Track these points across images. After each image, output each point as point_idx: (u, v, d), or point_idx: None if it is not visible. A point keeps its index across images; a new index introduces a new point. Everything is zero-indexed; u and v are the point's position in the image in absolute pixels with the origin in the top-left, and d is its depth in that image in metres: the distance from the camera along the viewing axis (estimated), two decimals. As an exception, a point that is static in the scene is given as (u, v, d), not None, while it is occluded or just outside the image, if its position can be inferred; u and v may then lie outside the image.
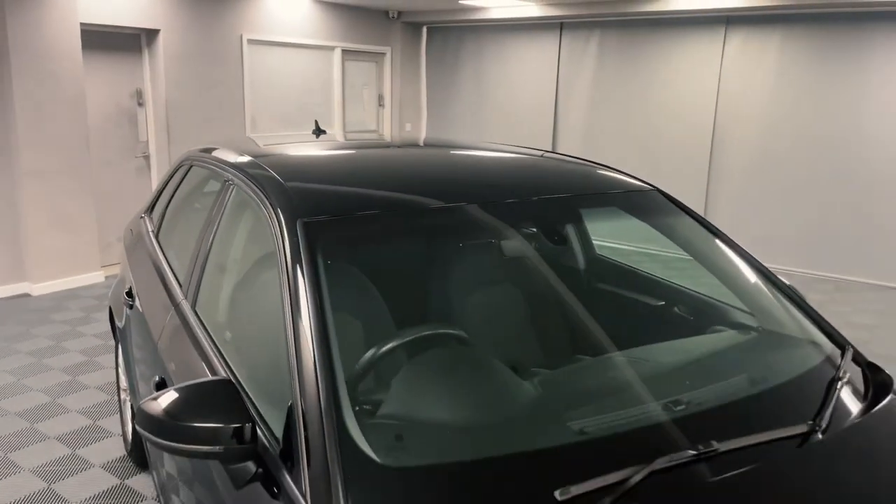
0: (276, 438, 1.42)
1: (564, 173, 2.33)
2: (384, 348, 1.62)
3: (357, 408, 1.42)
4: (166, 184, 3.09)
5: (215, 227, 2.17)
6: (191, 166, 2.78)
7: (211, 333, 1.89)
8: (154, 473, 2.21)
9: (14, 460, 3.18)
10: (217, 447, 1.35)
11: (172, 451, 1.36)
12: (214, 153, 2.49)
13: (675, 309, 2.32)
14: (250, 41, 7.04)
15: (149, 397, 1.41)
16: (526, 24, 8.11)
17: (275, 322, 1.57)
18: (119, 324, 3.04)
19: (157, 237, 2.85)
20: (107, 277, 5.98)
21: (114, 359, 4.29)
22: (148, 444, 2.43)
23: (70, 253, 5.71)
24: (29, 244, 5.49)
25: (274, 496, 1.33)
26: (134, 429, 2.98)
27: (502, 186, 2.07)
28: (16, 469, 3.11)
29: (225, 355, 1.77)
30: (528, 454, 1.36)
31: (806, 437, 1.50)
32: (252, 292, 1.83)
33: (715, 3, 6.42)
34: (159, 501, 2.25)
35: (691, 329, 2.20)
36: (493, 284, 2.05)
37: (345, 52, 8.09)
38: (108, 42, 6.13)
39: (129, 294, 2.80)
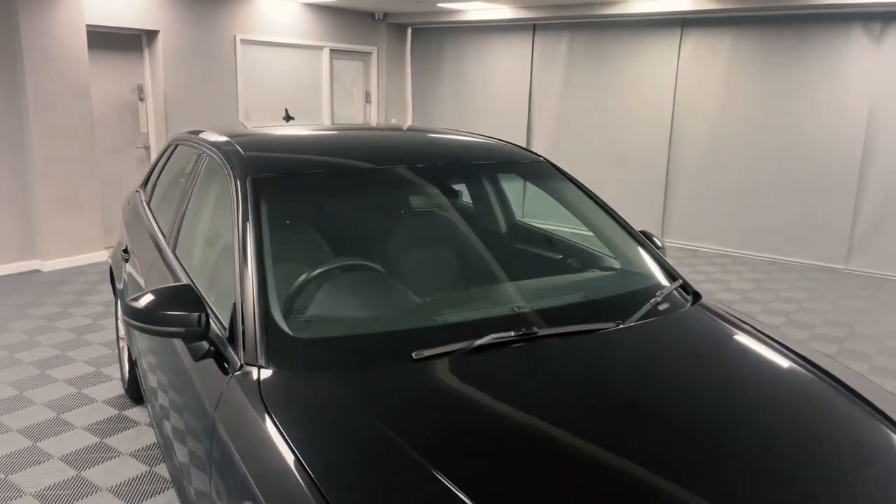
0: (223, 326, 1.98)
1: (476, 147, 2.90)
2: (314, 272, 2.18)
3: (284, 307, 1.98)
4: (158, 161, 3.66)
5: (192, 190, 2.75)
6: (177, 145, 3.35)
7: (181, 261, 2.46)
8: (148, 406, 2.76)
9: (29, 397, 3.76)
10: (181, 328, 1.91)
11: (149, 332, 1.93)
12: (198, 135, 3.05)
13: (558, 255, 2.88)
14: (243, 41, 7.62)
15: (132, 297, 1.98)
16: (501, 26, 8.67)
17: (228, 248, 2.14)
18: (119, 285, 3.60)
19: (148, 205, 3.43)
20: (110, 256, 6.57)
21: (114, 322, 4.87)
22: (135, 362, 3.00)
23: (77, 233, 6.29)
24: (40, 225, 6.07)
25: (221, 367, 1.89)
26: (131, 368, 3.55)
27: (421, 155, 2.64)
28: (30, 403, 3.69)
29: (189, 273, 2.34)
30: (397, 332, 1.93)
31: (613, 328, 2.06)
32: (213, 230, 2.40)
33: (671, 7, 6.96)
34: (153, 426, 2.81)
35: (568, 269, 2.76)
36: (405, 228, 2.61)
37: (333, 51, 8.66)
38: (112, 42, 6.72)
39: (126, 251, 3.38)
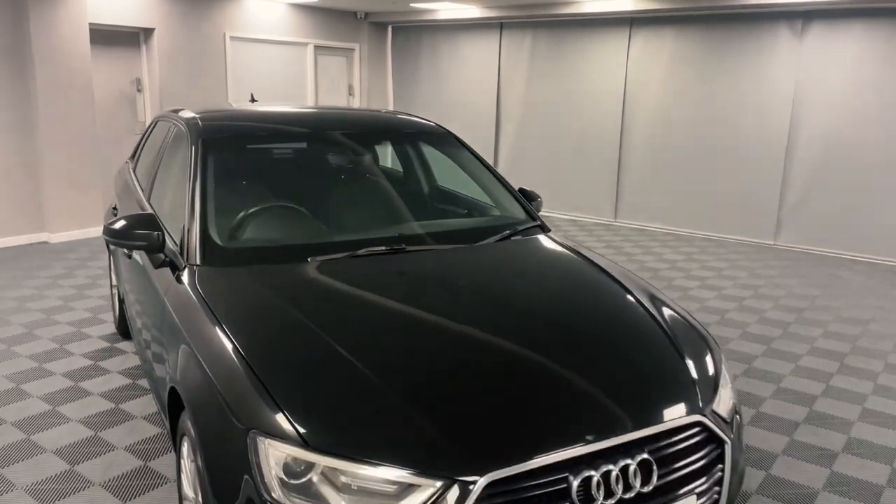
0: (176, 243, 2.72)
1: (393, 120, 3.65)
2: (241, 205, 2.92)
3: (218, 227, 2.72)
4: (143, 136, 4.41)
5: (163, 153, 3.50)
6: (157, 122, 4.10)
7: (152, 205, 3.22)
8: (134, 340, 3.48)
9: (37, 333, 4.52)
10: (144, 242, 2.66)
11: (122, 246, 2.67)
12: (175, 112, 3.78)
13: (448, 201, 3.62)
14: (232, 38, 8.38)
15: (109, 221, 2.72)
16: (471, 24, 9.40)
17: (182, 190, 2.88)
18: (110, 246, 4.35)
19: (134, 171, 4.18)
20: (104, 217, 7.34)
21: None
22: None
23: (80, 209, 7.06)
24: (48, 202, 6.84)
25: (172, 269, 2.62)
26: (120, 308, 4.29)
27: (344, 125, 3.40)
28: (37, 338, 4.45)
29: (156, 211, 3.10)
30: (299, 245, 2.68)
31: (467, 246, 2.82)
32: (176, 180, 3.14)
33: (620, 7, 7.67)
34: (136, 344, 3.54)
35: (454, 213, 3.49)
36: (322, 177, 3.36)
37: (317, 47, 9.41)
38: (112, 39, 7.49)
39: (115, 209, 4.13)
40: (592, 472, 1.81)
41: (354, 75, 10.05)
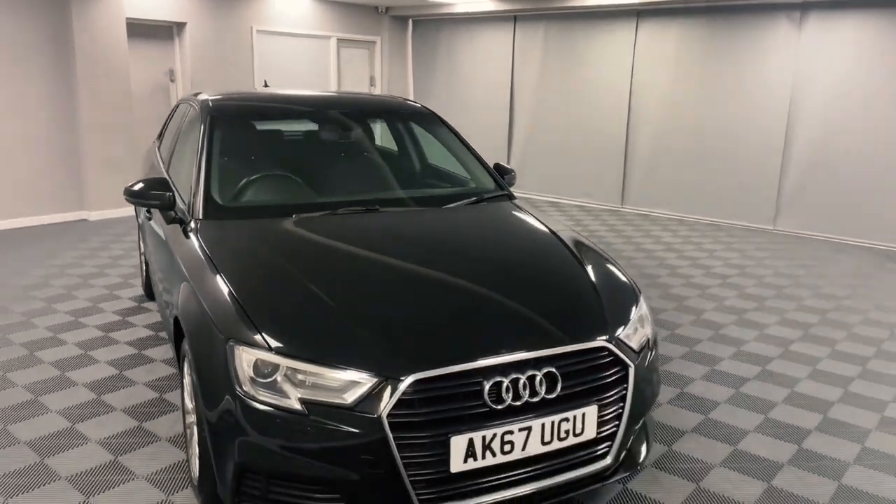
0: (185, 203, 3.19)
1: (384, 101, 4.08)
2: (248, 177, 3.38)
3: (220, 189, 3.18)
4: (168, 117, 4.92)
5: (180, 130, 3.98)
6: (179, 104, 4.59)
7: (169, 175, 3.70)
8: (157, 300, 3.98)
9: (74, 294, 5.07)
10: (158, 201, 3.13)
11: (139, 204, 3.15)
12: (194, 96, 4.26)
13: (428, 172, 4.04)
14: (259, 31, 8.90)
15: (130, 184, 3.20)
16: (486, 17, 9.77)
17: (192, 159, 3.35)
18: (139, 220, 4.86)
19: (158, 148, 4.69)
20: (144, 210, 7.94)
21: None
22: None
23: (117, 189, 7.65)
24: (87, 182, 7.45)
25: (181, 224, 3.09)
26: (146, 271, 4.81)
27: (340, 106, 3.84)
28: (74, 298, 5.00)
29: (172, 178, 3.58)
30: (287, 204, 3.13)
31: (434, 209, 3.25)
32: (187, 150, 3.61)
33: (626, -1, 7.99)
34: (157, 296, 4.05)
35: (433, 184, 3.91)
36: (317, 151, 3.80)
37: (340, 40, 9.89)
38: (148, 32, 8.07)
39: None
40: (502, 379, 2.22)
41: (376, 67, 10.50)
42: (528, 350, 2.29)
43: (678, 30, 8.18)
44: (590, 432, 2.36)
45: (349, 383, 2.13)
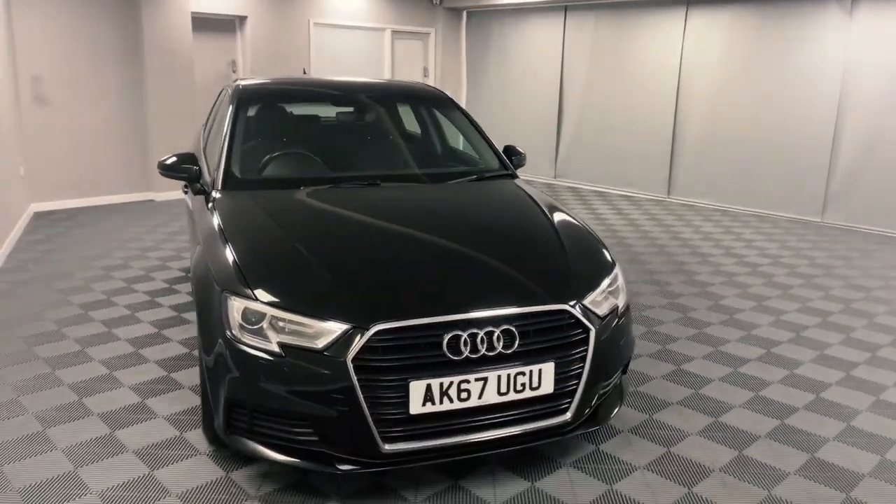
0: (211, 176, 3.54)
1: (403, 87, 4.35)
2: (276, 156, 3.71)
3: (241, 164, 3.51)
4: (214, 103, 5.32)
5: (216, 112, 4.35)
6: (223, 90, 4.98)
7: (205, 152, 4.08)
8: None
9: (131, 264, 5.56)
10: (185, 174, 3.48)
11: (169, 176, 3.51)
12: (233, 82, 4.63)
13: (440, 153, 4.26)
14: (316, 24, 9.31)
15: (163, 158, 3.57)
16: (538, 8, 9.88)
17: (221, 137, 3.69)
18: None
19: (203, 130, 5.09)
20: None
21: (196, 228, 6.68)
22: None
23: (180, 173, 8.21)
24: (154, 166, 8.02)
25: (206, 200, 3.43)
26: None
27: (361, 91, 4.13)
28: (130, 267, 5.48)
29: (206, 152, 3.93)
30: (297, 178, 3.43)
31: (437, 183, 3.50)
32: (218, 128, 3.97)
33: (674, -12, 7.96)
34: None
35: (443, 163, 4.14)
36: (334, 131, 4.09)
37: (394, 32, 10.20)
38: (211, 25, 8.59)
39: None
40: (460, 332, 2.43)
41: (429, 58, 10.78)
42: (488, 309, 2.50)
43: (728, 18, 8.09)
44: (547, 387, 2.55)
45: (322, 330, 2.40)
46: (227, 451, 2.86)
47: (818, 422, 3.28)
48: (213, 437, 2.78)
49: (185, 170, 3.50)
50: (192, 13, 8.15)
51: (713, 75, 8.32)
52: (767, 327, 4.50)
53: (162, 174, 3.55)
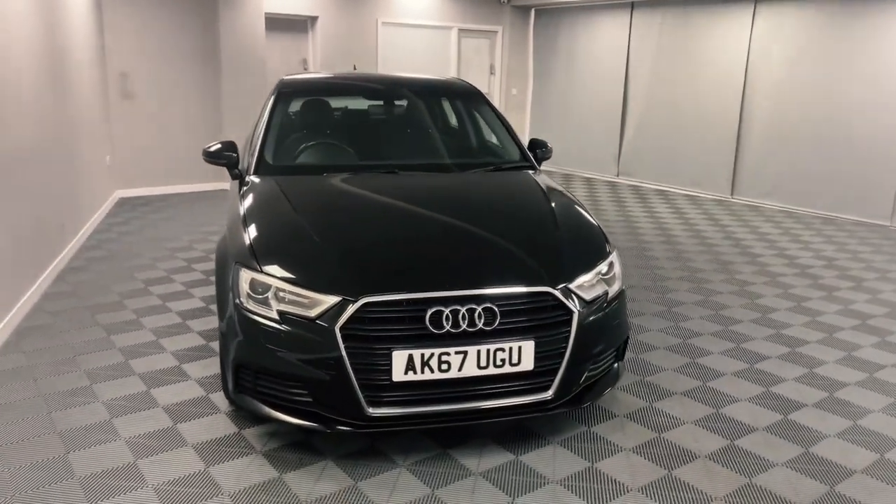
0: (246, 163, 3.84)
1: (438, 83, 4.54)
2: (307, 144, 3.99)
3: (275, 152, 3.80)
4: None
5: (263, 106, 4.68)
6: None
7: (251, 140, 4.41)
8: None
9: (195, 246, 6.01)
10: (224, 160, 3.80)
11: (211, 162, 3.83)
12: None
13: (467, 144, 4.42)
14: (384, 23, 9.64)
15: (207, 146, 3.90)
16: (606, 6, 9.85)
17: (260, 126, 4.00)
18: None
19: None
20: (274, 183, 8.97)
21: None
22: None
23: (251, 164, 8.70)
24: (227, 156, 8.55)
25: (241, 183, 3.74)
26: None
27: (395, 86, 4.37)
28: (193, 249, 5.92)
29: (250, 140, 4.25)
30: (322, 165, 3.70)
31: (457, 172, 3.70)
32: (259, 120, 4.28)
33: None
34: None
35: (467, 154, 4.30)
36: (365, 123, 4.33)
37: (461, 30, 10.41)
38: (284, 25, 9.05)
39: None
40: (442, 308, 2.61)
41: (496, 56, 10.92)
42: (471, 288, 2.66)
43: (796, 15, 7.85)
44: (527, 364, 2.69)
45: (317, 301, 2.63)
46: (243, 410, 3.14)
47: (823, 419, 3.25)
48: (226, 394, 3.07)
49: (225, 156, 3.81)
50: (266, 14, 8.62)
51: (781, 73, 8.09)
52: (799, 327, 4.42)
53: (205, 160, 3.88)
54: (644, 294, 5.00)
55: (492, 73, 10.98)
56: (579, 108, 10.45)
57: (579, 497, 2.62)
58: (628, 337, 3.18)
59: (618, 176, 10.12)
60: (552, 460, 2.85)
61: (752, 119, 8.44)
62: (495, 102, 11.10)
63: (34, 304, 4.51)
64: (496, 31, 10.82)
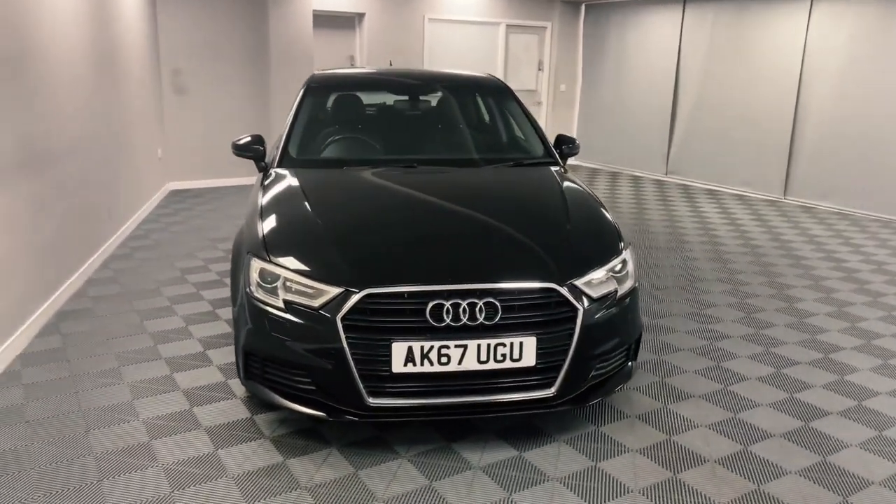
0: (271, 155, 3.93)
1: (466, 78, 4.54)
2: (331, 139, 4.06)
3: (300, 145, 3.88)
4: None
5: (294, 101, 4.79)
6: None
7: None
8: None
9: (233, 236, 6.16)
10: (252, 153, 3.89)
11: (239, 155, 3.93)
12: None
13: (495, 139, 4.40)
14: (430, 19, 9.68)
15: (236, 139, 4.01)
16: (657, 1, 9.64)
17: (288, 120, 4.09)
18: None
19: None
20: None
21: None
22: None
23: (298, 159, 8.88)
24: (274, 150, 8.75)
25: (265, 176, 3.82)
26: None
27: (422, 81, 4.40)
28: (230, 239, 6.08)
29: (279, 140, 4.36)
30: (343, 159, 3.75)
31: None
32: (287, 115, 4.37)
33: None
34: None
35: (494, 149, 4.28)
36: (394, 118, 4.37)
37: (509, 26, 10.36)
38: (331, 22, 9.19)
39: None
40: (443, 302, 2.62)
41: (545, 52, 10.83)
42: (473, 282, 2.66)
43: (854, 9, 7.52)
44: (529, 360, 2.67)
45: (321, 291, 2.68)
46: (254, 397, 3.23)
47: (846, 428, 3.12)
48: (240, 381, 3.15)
49: (252, 149, 3.91)
50: (314, 11, 8.78)
51: (837, 70, 7.76)
52: (836, 333, 4.25)
53: (234, 153, 3.98)
54: (676, 294, 4.90)
55: (540, 70, 10.89)
56: (628, 105, 10.27)
57: (577, 495, 2.59)
58: (640, 336, 3.12)
59: (666, 174, 9.90)
60: (555, 458, 2.83)
61: (808, 116, 8.13)
62: (543, 99, 11.01)
63: (77, 288, 4.72)
64: (545, 27, 10.72)
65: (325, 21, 9.12)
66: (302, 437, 2.95)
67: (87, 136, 5.06)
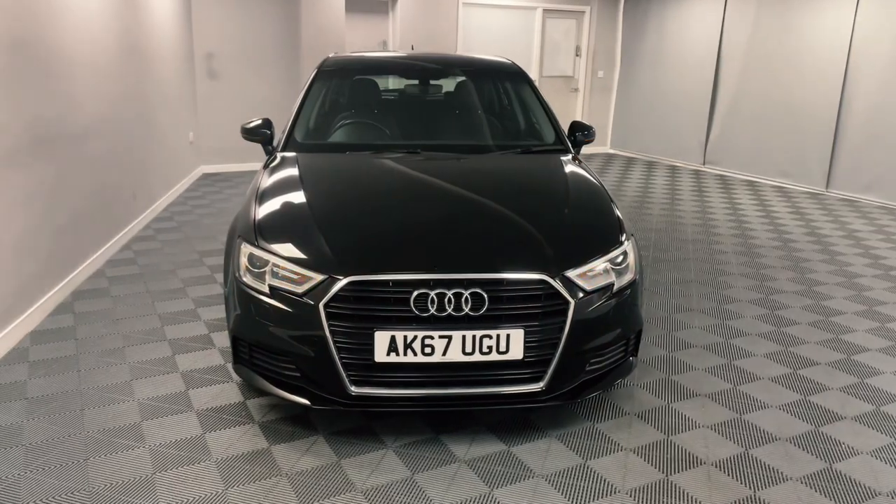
0: (278, 139, 3.91)
1: (481, 63, 4.45)
2: (338, 123, 4.02)
3: (305, 130, 3.85)
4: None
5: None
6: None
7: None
8: None
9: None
10: (259, 137, 3.88)
11: (248, 139, 3.93)
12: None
13: (508, 125, 4.30)
14: (465, 4, 9.55)
15: (245, 123, 4.00)
16: (698, -17, 9.32)
17: (297, 104, 4.07)
18: None
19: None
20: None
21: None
22: None
23: (328, 144, 8.90)
24: (305, 135, 8.78)
25: (272, 157, 3.80)
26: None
27: (434, 64, 4.32)
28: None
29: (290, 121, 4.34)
30: (345, 143, 3.72)
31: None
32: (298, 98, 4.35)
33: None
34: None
35: (503, 135, 4.17)
36: (402, 103, 4.29)
37: (546, 10, 10.15)
38: (364, 6, 9.15)
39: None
40: (427, 291, 2.56)
41: (583, 37, 10.59)
42: (459, 272, 2.59)
43: (908, -10, 7.12)
44: (516, 353, 2.59)
45: (306, 278, 2.64)
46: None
47: (859, 434, 2.96)
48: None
49: (260, 133, 3.89)
50: (346, -5, 8.75)
51: (886, 58, 7.38)
52: (863, 333, 4.05)
53: (242, 136, 3.98)
54: (697, 289, 4.73)
55: (577, 55, 10.67)
56: (667, 93, 9.98)
57: (561, 494, 2.51)
58: (641, 330, 3.01)
59: (704, 164, 9.61)
60: (544, 454, 2.75)
61: (853, 107, 7.76)
62: (580, 85, 10.78)
63: (97, 269, 4.81)
64: (584, 12, 10.48)
65: (358, 5, 9.08)
66: (290, 423, 2.93)
67: (110, 119, 5.14)
